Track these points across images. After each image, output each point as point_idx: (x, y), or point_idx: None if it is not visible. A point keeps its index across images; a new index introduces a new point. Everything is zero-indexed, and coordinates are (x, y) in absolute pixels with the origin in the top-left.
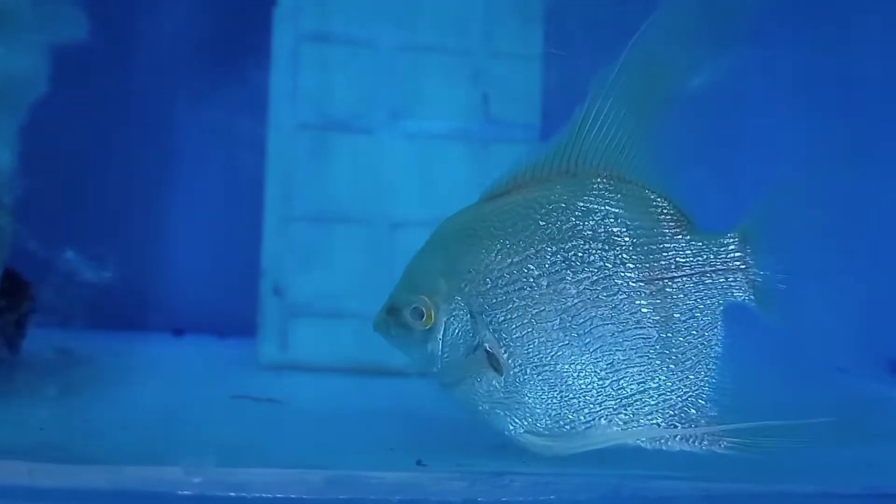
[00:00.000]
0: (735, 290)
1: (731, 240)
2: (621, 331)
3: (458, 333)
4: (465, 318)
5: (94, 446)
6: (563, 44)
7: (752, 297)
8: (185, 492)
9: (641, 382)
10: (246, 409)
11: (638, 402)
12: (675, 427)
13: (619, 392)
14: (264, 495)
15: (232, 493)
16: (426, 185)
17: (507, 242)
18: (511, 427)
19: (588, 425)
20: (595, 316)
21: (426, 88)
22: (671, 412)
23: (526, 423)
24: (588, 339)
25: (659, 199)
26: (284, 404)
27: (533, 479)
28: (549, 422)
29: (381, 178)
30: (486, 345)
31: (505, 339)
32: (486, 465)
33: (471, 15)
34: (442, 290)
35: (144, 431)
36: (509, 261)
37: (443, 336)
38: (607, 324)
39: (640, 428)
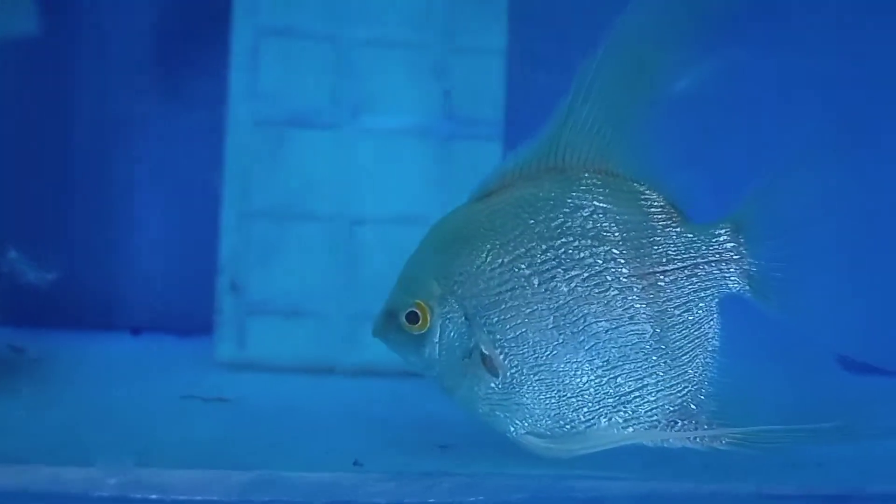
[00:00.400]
0: (730, 282)
1: (724, 230)
2: (615, 327)
3: (453, 336)
4: (459, 321)
5: (22, 445)
6: (527, 39)
7: (747, 287)
8: (101, 493)
9: (639, 379)
10: (193, 409)
11: (637, 399)
12: (676, 423)
13: (617, 389)
14: (181, 497)
15: (153, 496)
16: (387, 182)
17: (498, 243)
18: (512, 429)
19: (588, 424)
20: (588, 313)
21: (388, 84)
22: (671, 408)
23: (526, 424)
24: (582, 337)
25: (648, 192)
26: (234, 404)
27: (463, 480)
28: (549, 422)
29: (342, 175)
30: (482, 347)
31: (500, 340)
32: (427, 466)
33: (433, 9)
34: (436, 294)
35: (81, 431)
36: (500, 261)
37: (439, 339)
38: (601, 321)
39: (641, 428)
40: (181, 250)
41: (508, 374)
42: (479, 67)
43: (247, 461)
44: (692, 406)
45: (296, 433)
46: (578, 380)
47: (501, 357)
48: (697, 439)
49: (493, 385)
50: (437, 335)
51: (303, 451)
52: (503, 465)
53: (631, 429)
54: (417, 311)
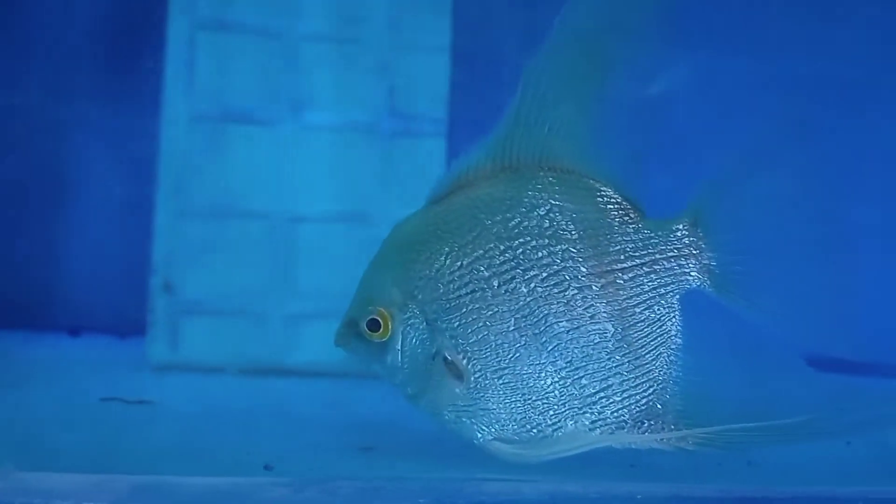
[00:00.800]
0: (689, 277)
1: (681, 225)
2: (576, 327)
3: (415, 342)
4: (420, 327)
5: None
6: (471, 36)
7: (707, 282)
8: None
9: (603, 379)
10: (110, 412)
11: (602, 400)
12: (643, 424)
13: (582, 391)
14: (64, 503)
15: (35, 501)
16: (329, 179)
17: (456, 245)
18: (479, 435)
19: (554, 427)
20: (549, 314)
21: (330, 80)
22: (637, 409)
23: (493, 429)
24: (544, 339)
25: (604, 189)
26: (156, 406)
27: (364, 485)
28: (515, 427)
29: (282, 172)
30: (445, 352)
31: (462, 344)
32: (343, 469)
33: (377, 5)
34: (396, 300)
35: None
36: (459, 264)
37: (401, 346)
38: (562, 321)
39: (609, 430)
40: (119, 250)
41: (472, 378)
42: (424, 64)
43: (152, 465)
44: (658, 406)
45: (213, 436)
46: (543, 382)
47: (465, 362)
48: (665, 441)
49: (457, 391)
50: (399, 342)
51: (215, 454)
52: (425, 468)
53: (598, 431)
54: (378, 319)
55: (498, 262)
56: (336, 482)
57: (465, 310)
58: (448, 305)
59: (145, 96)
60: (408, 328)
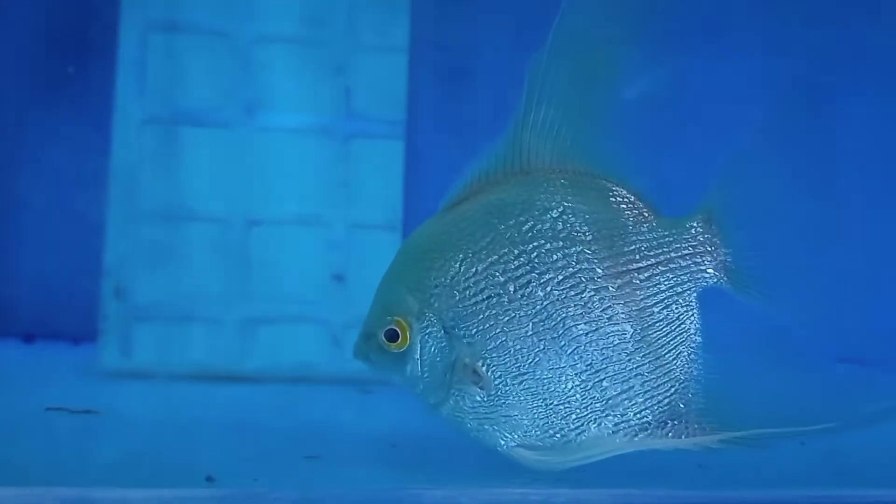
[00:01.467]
0: (706, 274)
1: (695, 222)
2: (595, 329)
3: (434, 351)
4: (439, 335)
5: None
6: (430, 37)
7: (725, 279)
8: None
9: (624, 381)
10: (53, 422)
11: (625, 402)
12: (666, 424)
13: (604, 393)
14: None
15: None
16: (285, 182)
17: (470, 252)
18: (502, 442)
19: (577, 431)
20: (566, 316)
21: (285, 81)
22: (660, 409)
23: (516, 436)
24: (563, 342)
25: (616, 189)
26: (103, 416)
27: (291, 494)
28: (538, 433)
29: (236, 175)
30: (465, 359)
31: (480, 350)
32: (287, 479)
33: (334, 5)
34: (413, 309)
35: None
36: (474, 270)
37: (420, 355)
38: (580, 324)
39: (632, 432)
40: (72, 255)
41: (493, 385)
42: (382, 65)
43: (90, 478)
44: (681, 405)
45: (158, 446)
46: (563, 386)
47: (484, 368)
48: (689, 442)
49: (478, 398)
50: (418, 351)
51: (158, 465)
52: (371, 478)
53: (622, 433)
54: (396, 329)
55: (513, 266)
56: (275, 494)
57: (482, 316)
58: (465, 312)
59: (97, 99)
60: (426, 337)
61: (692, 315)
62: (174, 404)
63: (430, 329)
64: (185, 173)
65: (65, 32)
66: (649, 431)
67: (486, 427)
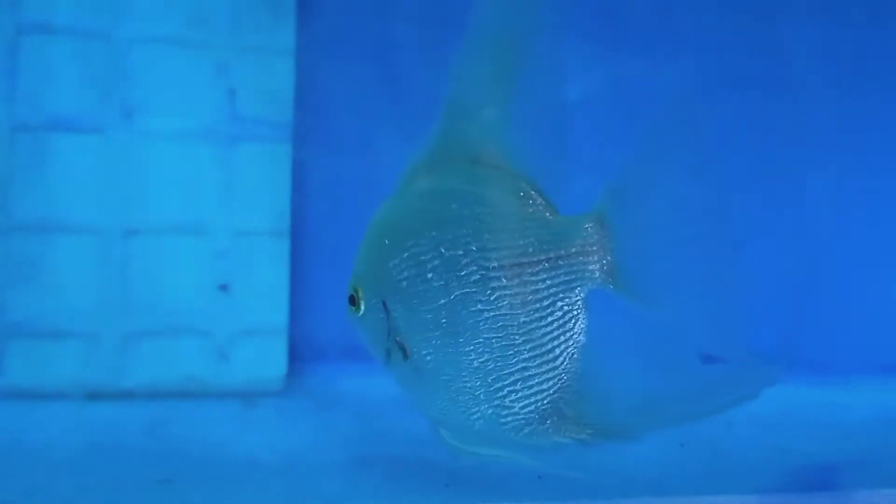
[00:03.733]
0: (593, 275)
1: (589, 222)
2: (486, 318)
3: (377, 321)
4: (378, 306)
5: None
6: (317, 38)
7: (610, 281)
8: None
9: (511, 373)
10: None
11: (512, 394)
12: (547, 420)
13: (493, 383)
14: None
15: None
16: (166, 189)
17: (401, 233)
18: (430, 415)
19: (477, 417)
20: (464, 304)
21: (165, 84)
22: (543, 404)
23: (436, 412)
24: (460, 329)
25: (524, 185)
26: None
27: None
28: (451, 413)
29: (114, 182)
30: (395, 334)
31: (405, 328)
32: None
33: (216, 5)
34: (367, 280)
35: None
36: (405, 253)
37: (369, 321)
38: (474, 311)
39: (520, 424)
40: None
41: (413, 361)
42: (267, 67)
43: None
44: (561, 402)
45: (11, 472)
46: (462, 371)
47: (408, 346)
48: (564, 432)
49: (406, 370)
50: (368, 318)
51: (5, 494)
52: (218, 500)
53: (511, 425)
54: (354, 294)
55: (431, 251)
56: None
57: (402, 295)
58: (395, 290)
59: None
60: (370, 305)
61: (579, 314)
62: (40, 425)
63: (374, 301)
64: (59, 182)
65: None
66: (533, 426)
67: (418, 398)
